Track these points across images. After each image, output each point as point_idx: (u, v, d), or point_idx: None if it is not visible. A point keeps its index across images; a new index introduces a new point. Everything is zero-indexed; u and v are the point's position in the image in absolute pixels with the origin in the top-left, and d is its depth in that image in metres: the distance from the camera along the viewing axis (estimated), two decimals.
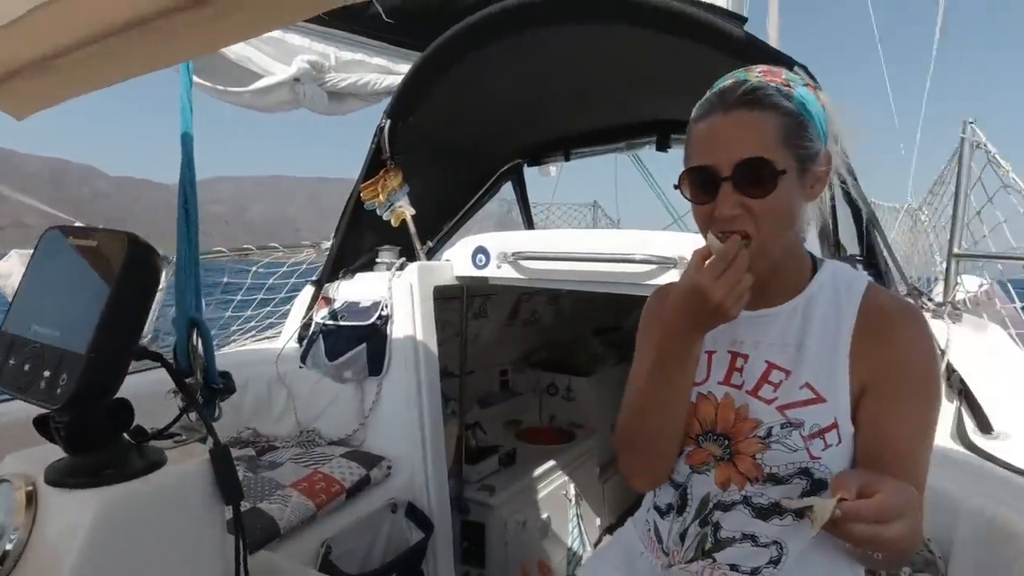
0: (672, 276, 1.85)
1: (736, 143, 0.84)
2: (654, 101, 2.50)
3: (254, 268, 2.68)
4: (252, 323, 2.73)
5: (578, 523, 3.11)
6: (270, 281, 2.76)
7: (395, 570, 1.98)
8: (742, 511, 0.92)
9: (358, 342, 2.21)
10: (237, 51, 2.29)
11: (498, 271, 2.26)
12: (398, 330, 2.22)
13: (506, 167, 3.21)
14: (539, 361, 3.72)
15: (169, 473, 0.84)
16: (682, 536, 0.97)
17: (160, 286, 2.05)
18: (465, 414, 2.92)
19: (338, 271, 2.39)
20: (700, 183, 0.88)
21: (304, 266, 2.83)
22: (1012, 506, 1.26)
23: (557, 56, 2.15)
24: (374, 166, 2.31)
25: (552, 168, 3.45)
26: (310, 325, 2.34)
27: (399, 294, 2.22)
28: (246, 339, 2.65)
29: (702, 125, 0.88)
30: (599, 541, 3.24)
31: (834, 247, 1.98)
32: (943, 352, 1.54)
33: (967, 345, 1.57)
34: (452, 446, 2.77)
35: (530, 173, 3.51)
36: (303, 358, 2.30)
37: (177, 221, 1.04)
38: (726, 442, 0.92)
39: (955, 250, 2.00)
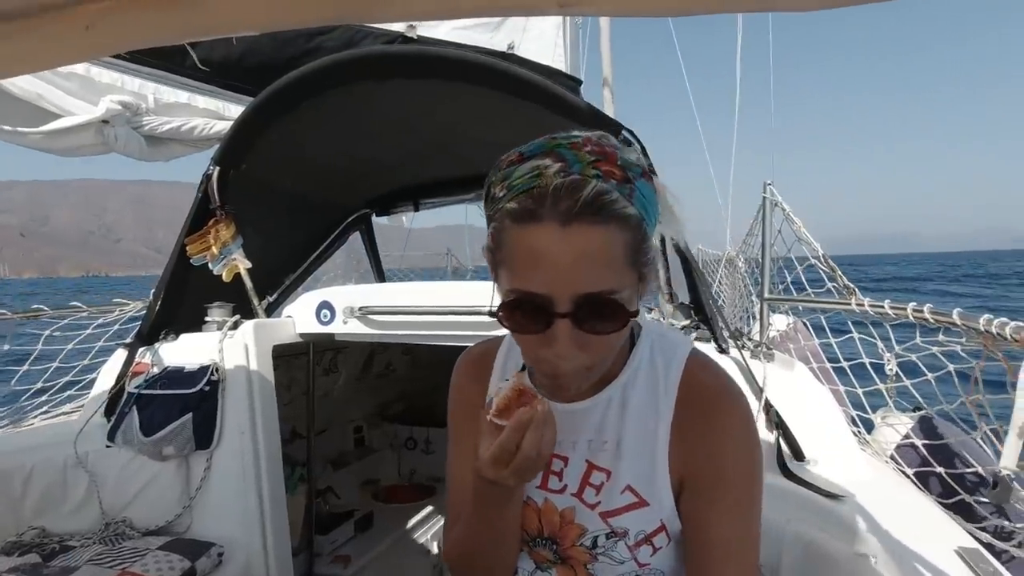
0: None
1: (578, 272, 0.66)
2: (499, 154, 2.57)
3: (47, 332, 2.28)
4: (44, 396, 2.30)
5: None
6: (70, 346, 2.35)
7: None
8: None
9: (182, 412, 1.96)
10: (23, 85, 1.91)
11: (344, 327, 2.14)
12: (231, 396, 2.01)
13: (353, 217, 3.11)
14: (395, 414, 3.59)
15: None
16: None
17: None
18: (316, 479, 2.71)
19: (158, 332, 2.12)
20: (527, 313, 0.70)
21: (116, 327, 2.47)
22: (826, 529, 1.39)
23: (401, 108, 2.14)
24: (201, 216, 2.10)
25: (404, 217, 3.41)
26: (122, 395, 2.03)
27: (232, 356, 2.02)
28: (35, 416, 2.22)
29: (527, 234, 0.67)
30: None
31: (668, 296, 2.14)
32: (761, 390, 1.69)
33: (779, 381, 1.75)
34: (300, 516, 2.56)
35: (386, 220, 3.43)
36: (111, 435, 1.98)
37: None
38: (554, 546, 0.88)
39: (765, 295, 2.28)
